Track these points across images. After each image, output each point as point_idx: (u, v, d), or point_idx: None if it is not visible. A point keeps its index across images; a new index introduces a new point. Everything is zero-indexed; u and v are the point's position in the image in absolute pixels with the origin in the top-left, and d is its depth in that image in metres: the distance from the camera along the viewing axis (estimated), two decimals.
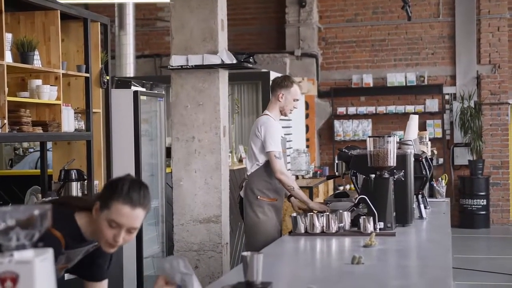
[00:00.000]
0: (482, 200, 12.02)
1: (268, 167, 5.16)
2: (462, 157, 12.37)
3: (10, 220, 1.80)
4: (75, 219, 2.62)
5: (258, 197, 5.18)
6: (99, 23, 5.94)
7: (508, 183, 12.47)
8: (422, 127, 12.16)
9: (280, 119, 5.43)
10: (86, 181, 5.64)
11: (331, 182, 10.91)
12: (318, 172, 10.83)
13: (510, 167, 12.57)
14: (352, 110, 12.75)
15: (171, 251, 6.35)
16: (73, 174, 5.51)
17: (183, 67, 6.07)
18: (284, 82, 5.31)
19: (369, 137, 4.44)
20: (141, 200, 2.51)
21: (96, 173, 5.82)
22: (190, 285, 2.44)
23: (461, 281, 7.95)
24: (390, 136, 4.41)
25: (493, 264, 8.96)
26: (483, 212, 12.06)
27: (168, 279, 2.43)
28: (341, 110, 12.80)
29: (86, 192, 5.68)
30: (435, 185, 6.35)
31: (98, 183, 5.82)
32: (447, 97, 12.58)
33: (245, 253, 2.65)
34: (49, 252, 1.82)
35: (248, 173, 5.28)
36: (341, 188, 12.02)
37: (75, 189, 5.51)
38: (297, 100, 5.33)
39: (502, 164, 12.44)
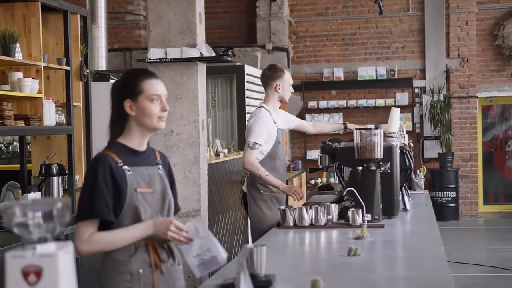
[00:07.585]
0: (451, 192, 12.17)
1: (267, 160, 5.16)
2: (432, 150, 12.49)
3: (31, 213, 1.78)
4: (116, 142, 2.86)
5: (261, 191, 5.22)
6: (78, 15, 5.86)
7: (476, 176, 12.64)
8: None
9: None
10: (67, 176, 5.56)
11: (303, 175, 10.96)
12: (292, 166, 10.87)
13: (479, 160, 12.75)
14: (323, 103, 12.79)
15: None
16: (54, 169, 5.42)
17: (161, 60, 6.03)
18: (277, 73, 5.34)
19: (356, 129, 4.45)
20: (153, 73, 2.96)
21: (77, 168, 5.75)
22: (213, 247, 2.75)
23: None
24: (377, 129, 4.43)
25: (463, 255, 9.07)
26: (453, 205, 12.21)
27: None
28: (312, 103, 12.83)
29: (67, 187, 5.61)
30: (413, 177, 6.40)
31: (79, 178, 5.75)
32: (417, 90, 12.69)
33: (249, 246, 2.64)
34: (70, 245, 1.80)
35: None
36: (319, 181, 12.10)
37: (56, 184, 5.42)
38: (292, 83, 5.45)
39: (471, 157, 12.60)
